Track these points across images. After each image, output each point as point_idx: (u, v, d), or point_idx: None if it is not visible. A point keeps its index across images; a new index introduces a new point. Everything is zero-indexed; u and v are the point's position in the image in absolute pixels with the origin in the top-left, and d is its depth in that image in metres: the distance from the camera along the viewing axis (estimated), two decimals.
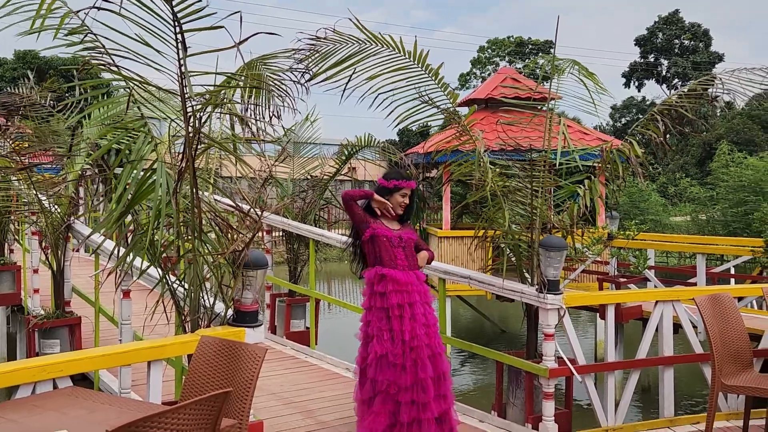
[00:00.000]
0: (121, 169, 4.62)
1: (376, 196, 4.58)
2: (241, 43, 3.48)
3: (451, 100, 5.52)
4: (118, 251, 4.25)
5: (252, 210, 4.11)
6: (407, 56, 5.27)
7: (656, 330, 5.53)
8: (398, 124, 5.45)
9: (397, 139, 45.49)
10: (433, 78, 5.41)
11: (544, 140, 5.62)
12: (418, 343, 4.40)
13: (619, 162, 5.55)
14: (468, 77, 51.49)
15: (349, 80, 5.31)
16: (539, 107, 8.19)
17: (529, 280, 5.60)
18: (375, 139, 8.85)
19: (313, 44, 5.01)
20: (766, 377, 4.67)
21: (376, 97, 5.37)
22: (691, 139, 40.07)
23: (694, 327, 5.79)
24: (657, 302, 5.52)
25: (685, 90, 6.02)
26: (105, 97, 5.05)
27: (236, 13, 3.52)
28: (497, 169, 5.65)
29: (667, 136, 5.66)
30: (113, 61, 3.65)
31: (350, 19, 5.05)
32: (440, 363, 4.50)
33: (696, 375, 9.57)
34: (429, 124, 6.24)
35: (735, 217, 19.26)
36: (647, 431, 5.28)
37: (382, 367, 4.39)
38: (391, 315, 4.40)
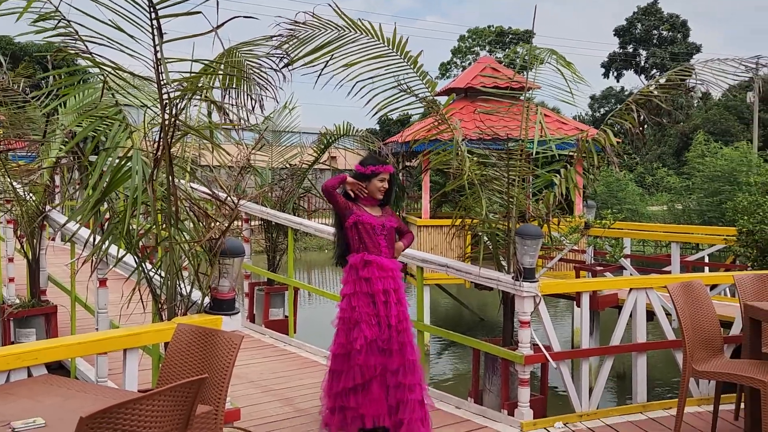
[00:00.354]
0: (96, 156, 4.59)
1: (349, 179, 4.58)
2: (218, 27, 3.47)
3: (430, 89, 5.53)
4: (94, 239, 4.23)
5: (228, 198, 4.11)
6: (386, 44, 5.27)
7: (630, 317, 5.62)
8: (377, 112, 5.45)
9: (378, 128, 45.43)
10: (412, 66, 5.41)
11: (521, 129, 5.66)
12: (404, 326, 4.47)
13: (594, 151, 5.60)
14: (448, 66, 51.49)
15: (325, 65, 5.29)
16: (518, 96, 8.22)
17: (506, 268, 5.65)
18: (354, 128, 8.85)
19: (292, 29, 4.99)
20: (736, 363, 4.76)
21: (355, 85, 5.36)
22: (669, 129, 40.47)
23: (668, 314, 5.88)
24: (631, 290, 5.60)
25: (662, 81, 6.09)
26: (81, 84, 4.98)
27: None
28: (475, 158, 5.68)
29: (645, 126, 5.72)
30: (86, 47, 3.62)
31: (330, 5, 5.04)
32: (415, 349, 4.62)
33: (670, 362, 9.71)
34: (409, 113, 6.25)
35: (710, 207, 19.52)
36: (620, 416, 5.36)
37: (372, 351, 4.39)
38: (376, 300, 4.43)
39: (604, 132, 5.54)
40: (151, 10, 3.48)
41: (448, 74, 50.92)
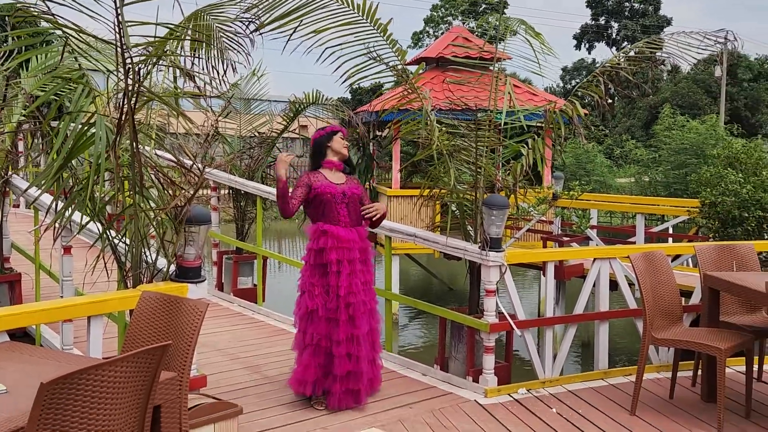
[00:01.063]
0: (58, 121, 4.50)
1: (279, 164, 4.60)
2: None
3: (399, 57, 5.50)
4: (56, 205, 4.16)
5: (194, 165, 4.07)
6: (356, 10, 5.21)
7: (594, 286, 5.72)
8: (346, 80, 5.41)
9: (350, 97, 45.10)
10: (382, 34, 5.37)
11: (490, 100, 5.67)
12: (355, 299, 4.53)
13: (562, 122, 5.65)
14: (421, 36, 51.10)
15: (294, 31, 5.22)
16: (489, 67, 8.22)
17: (473, 238, 5.70)
18: (324, 96, 8.79)
19: None
20: (694, 331, 4.89)
21: (323, 51, 5.30)
22: (638, 102, 40.82)
23: (631, 284, 5.98)
24: (595, 260, 5.70)
25: (631, 53, 6.13)
26: (43, 47, 4.86)
27: None
28: (444, 129, 5.69)
29: (615, 98, 5.78)
30: (48, 7, 3.52)
31: None
32: (374, 317, 4.77)
33: (632, 331, 9.92)
34: (381, 81, 6.19)
35: (676, 179, 19.82)
36: (582, 382, 5.48)
37: (312, 321, 4.56)
38: (329, 271, 4.51)
39: (571, 103, 5.57)
40: None
41: (420, 43, 50.57)
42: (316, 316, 4.53)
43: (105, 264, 3.96)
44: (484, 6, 50.10)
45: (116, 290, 4.54)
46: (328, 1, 5.16)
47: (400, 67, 5.59)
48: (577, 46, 51.49)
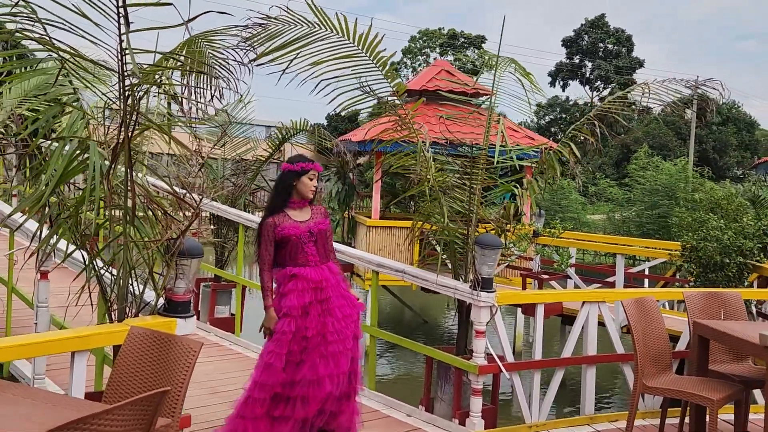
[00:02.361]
0: (46, 143, 4.36)
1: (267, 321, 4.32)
2: (190, 20, 3.32)
3: (398, 93, 5.48)
4: (41, 233, 4.00)
5: (188, 195, 3.95)
6: (356, 44, 5.16)
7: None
8: (342, 111, 5.35)
9: (325, 123, 45.17)
10: (381, 69, 5.33)
11: (485, 138, 5.66)
12: (333, 338, 4.28)
13: (556, 164, 5.64)
14: (398, 66, 51.56)
15: (289, 64, 5.16)
16: (472, 102, 8.26)
17: (462, 276, 5.64)
18: (308, 122, 8.71)
19: (263, 23, 4.84)
20: (684, 380, 4.86)
21: (318, 83, 5.25)
22: (610, 140, 41.46)
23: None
24: (584, 303, 5.66)
25: (613, 95, 6.19)
26: (31, 71, 4.70)
27: None
28: (438, 164, 5.65)
29: (598, 138, 5.81)
30: (45, 30, 3.41)
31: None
32: (356, 357, 4.46)
33: (609, 371, 9.88)
34: (367, 111, 6.12)
35: (649, 219, 20.10)
36: (569, 428, 5.41)
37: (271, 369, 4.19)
38: (298, 314, 4.22)
39: (567, 145, 5.57)
40: None
41: (398, 74, 50.96)
42: (275, 366, 4.17)
43: (90, 294, 3.80)
44: (462, 40, 50.80)
45: (97, 322, 4.39)
46: (329, 33, 5.11)
47: (398, 103, 5.56)
48: (552, 84, 52.32)
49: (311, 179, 4.42)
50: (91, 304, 3.93)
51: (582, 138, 5.84)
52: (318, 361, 4.25)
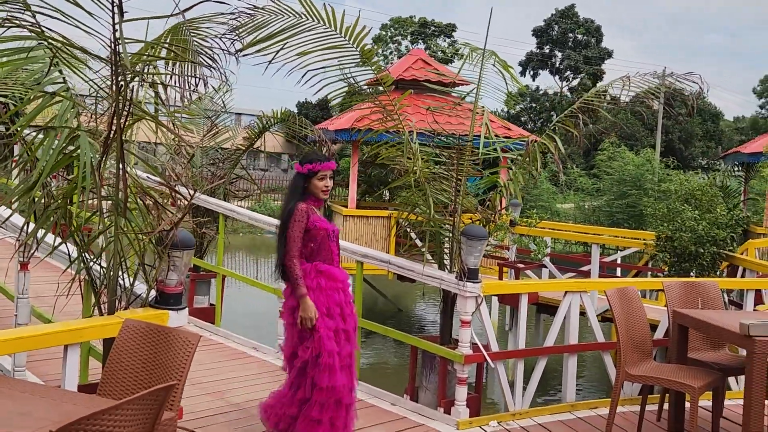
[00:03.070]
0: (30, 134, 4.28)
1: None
2: (186, 10, 3.29)
3: (385, 83, 5.49)
4: (27, 225, 3.94)
5: (179, 187, 3.92)
6: (343, 35, 5.15)
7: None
8: (329, 102, 5.35)
9: (296, 110, 44.84)
10: (368, 60, 5.34)
11: (471, 130, 5.70)
12: (353, 344, 4.22)
13: (539, 156, 5.71)
14: (374, 47, 51.29)
15: (276, 54, 5.14)
16: (452, 92, 8.29)
17: (448, 267, 5.68)
18: (290, 112, 8.66)
19: (250, 13, 4.80)
20: (665, 367, 4.98)
21: (305, 73, 5.24)
22: (578, 127, 41.80)
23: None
24: (566, 292, 5.74)
25: (596, 89, 6.28)
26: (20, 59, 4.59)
27: None
28: (422, 156, 5.67)
29: (582, 131, 5.89)
30: (36, 20, 3.35)
31: None
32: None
33: (585, 359, 10.03)
34: (328, 97, 6.04)
35: (619, 209, 20.44)
36: (551, 415, 5.50)
37: (327, 371, 4.00)
38: (334, 313, 4.10)
39: (551, 138, 5.64)
40: None
41: (378, 65, 50.67)
42: (332, 366, 3.99)
43: (81, 286, 3.76)
44: (433, 28, 50.76)
45: (83, 315, 4.34)
46: (316, 24, 5.09)
47: (383, 92, 5.57)
48: (522, 73, 52.57)
49: (322, 179, 4.18)
50: (82, 297, 3.88)
51: (565, 131, 5.92)
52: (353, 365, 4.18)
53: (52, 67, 3.54)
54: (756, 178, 18.05)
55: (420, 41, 49.88)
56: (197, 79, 4.42)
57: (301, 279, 4.06)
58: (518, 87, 6.60)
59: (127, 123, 3.54)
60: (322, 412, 4.00)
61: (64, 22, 3.36)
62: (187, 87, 4.39)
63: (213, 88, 8.66)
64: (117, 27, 3.31)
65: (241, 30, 4.83)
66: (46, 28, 3.43)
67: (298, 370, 4.11)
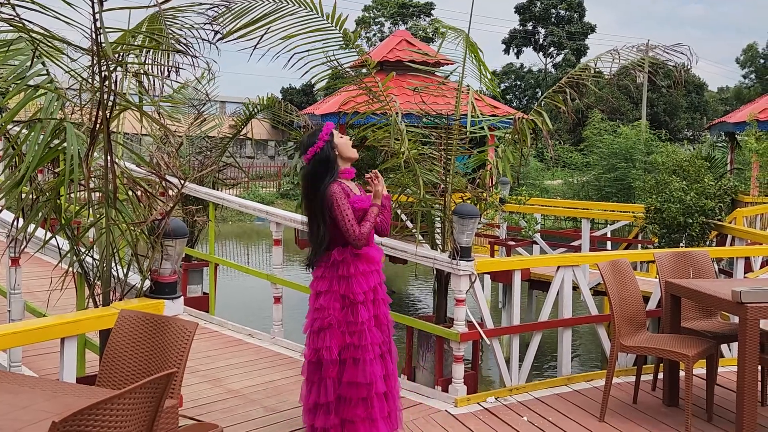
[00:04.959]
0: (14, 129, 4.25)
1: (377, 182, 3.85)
2: (165, 1, 3.26)
3: (369, 66, 5.47)
4: (17, 221, 3.92)
5: (168, 177, 3.90)
6: (326, 18, 5.13)
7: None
8: (313, 86, 5.33)
9: (280, 96, 44.57)
10: (350, 43, 5.31)
11: (456, 109, 5.69)
12: (390, 325, 3.98)
13: (528, 133, 5.71)
14: (357, 29, 50.99)
15: (260, 40, 5.10)
16: (433, 72, 8.27)
17: (440, 246, 5.70)
18: (277, 99, 8.61)
19: (228, 2, 4.76)
20: (659, 337, 5.03)
21: (291, 57, 5.20)
22: (566, 103, 41.83)
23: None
24: (559, 267, 5.78)
25: (584, 63, 6.28)
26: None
27: None
28: (409, 137, 5.66)
29: (570, 107, 5.89)
30: (16, 13, 3.31)
31: None
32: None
33: (578, 332, 10.09)
34: (313, 81, 5.97)
35: (607, 182, 20.53)
36: (547, 389, 5.55)
37: (368, 364, 3.77)
38: (366, 299, 3.81)
39: (538, 114, 5.64)
40: None
41: (360, 47, 50.40)
42: (369, 358, 3.77)
43: (74, 279, 3.75)
44: (412, 9, 50.46)
45: (77, 308, 4.33)
46: (296, 7, 5.06)
47: (366, 72, 5.55)
48: (506, 51, 52.47)
49: (342, 136, 3.92)
50: (76, 289, 3.87)
51: (554, 106, 5.92)
52: (394, 350, 3.99)
53: (35, 60, 3.50)
54: (741, 148, 18.19)
55: (401, 22, 49.62)
56: (177, 68, 4.37)
57: (370, 224, 3.81)
58: (491, 81, 6.44)
59: (112, 114, 3.51)
60: (357, 410, 3.77)
61: (43, 13, 3.32)
62: (167, 76, 4.36)
63: (196, 78, 8.61)
64: (97, 17, 3.27)
65: (221, 17, 4.79)
66: (27, 20, 3.39)
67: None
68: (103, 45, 3.31)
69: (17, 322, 4.59)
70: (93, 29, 3.34)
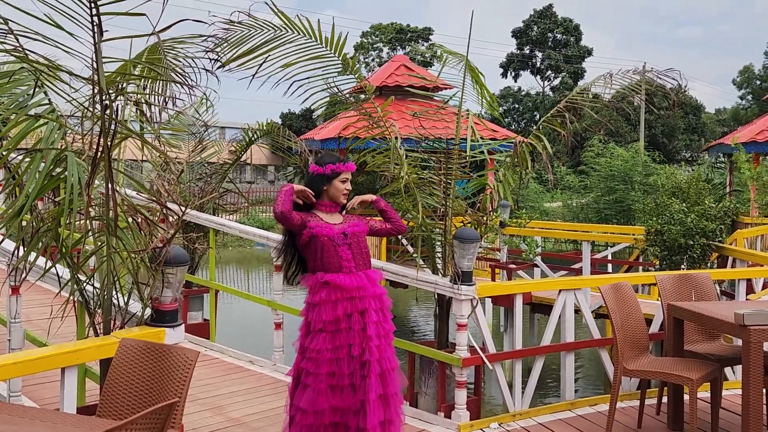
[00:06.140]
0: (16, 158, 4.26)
1: (296, 187, 3.91)
2: (162, 30, 3.29)
3: (368, 92, 5.50)
4: (17, 249, 3.91)
5: (169, 204, 3.91)
6: (324, 45, 5.17)
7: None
8: (313, 112, 5.35)
9: (280, 121, 44.78)
10: (350, 68, 5.35)
11: (456, 133, 5.72)
12: (369, 357, 3.82)
13: (528, 157, 5.73)
14: (356, 55, 51.35)
15: (259, 67, 5.14)
16: (435, 96, 8.32)
17: (441, 271, 5.69)
18: (277, 125, 8.66)
19: (226, 29, 4.80)
20: (662, 361, 5.00)
21: (291, 84, 5.24)
22: (564, 126, 42.04)
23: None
24: (560, 291, 5.76)
25: (581, 88, 6.33)
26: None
27: None
28: (409, 161, 5.69)
29: (570, 131, 5.93)
30: (19, 44, 3.34)
31: (266, 3, 4.90)
32: (391, 381, 3.93)
33: (579, 356, 10.02)
34: (312, 107, 6.02)
35: (606, 205, 20.56)
36: (551, 414, 5.51)
37: (318, 393, 3.77)
38: (334, 329, 3.80)
39: (538, 139, 5.66)
40: (92, 5, 3.25)
41: (359, 72, 50.75)
42: (318, 388, 3.77)
43: (75, 308, 3.74)
44: (410, 34, 50.90)
45: (77, 337, 4.31)
46: (295, 36, 5.10)
47: (366, 98, 5.59)
48: (504, 75, 52.88)
49: (344, 182, 3.98)
50: (76, 318, 3.86)
51: (551, 130, 5.96)
52: (373, 383, 3.81)
53: (36, 89, 3.52)
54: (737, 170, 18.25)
55: (399, 47, 50.03)
56: (174, 98, 4.39)
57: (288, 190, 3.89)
58: (492, 102, 6.48)
59: (114, 142, 3.52)
60: None
61: (45, 43, 3.35)
62: (166, 105, 4.37)
63: (194, 108, 8.66)
64: (98, 46, 3.30)
65: (221, 49, 4.83)
66: (30, 50, 3.42)
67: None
68: (104, 75, 3.33)
69: (17, 351, 4.56)
70: (94, 59, 3.36)
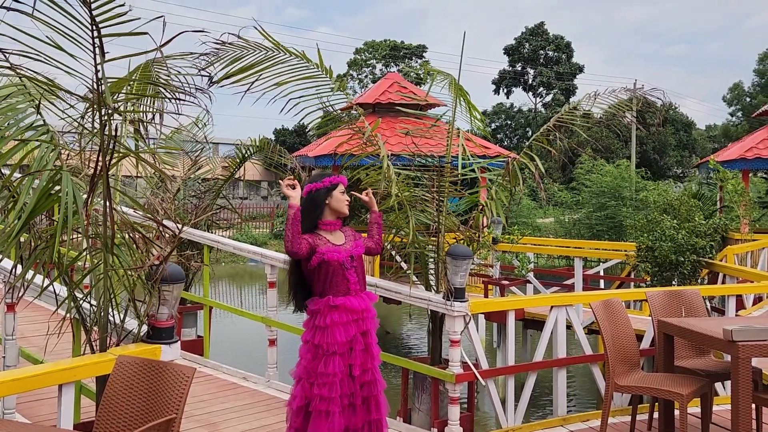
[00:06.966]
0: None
1: (292, 201, 3.81)
2: (162, 46, 3.35)
3: (357, 111, 5.59)
4: (15, 268, 3.95)
5: (165, 221, 3.95)
6: (316, 67, 5.26)
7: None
8: (307, 127, 5.43)
9: (273, 138, 44.88)
10: (341, 88, 5.44)
11: (447, 151, 5.79)
12: (374, 376, 3.95)
13: (519, 174, 5.81)
14: (344, 78, 51.66)
15: (251, 85, 5.21)
16: (427, 114, 8.41)
17: (434, 287, 5.74)
18: (270, 141, 8.73)
19: (218, 49, 4.87)
20: (653, 377, 5.05)
21: (286, 103, 5.31)
22: (554, 144, 42.33)
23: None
24: (552, 307, 5.82)
25: (570, 105, 6.42)
26: None
27: (160, 17, 3.38)
28: (401, 179, 5.75)
29: (560, 149, 6.01)
30: (10, 62, 3.39)
31: (256, 27, 4.99)
32: (384, 401, 4.12)
33: (579, 373, 10.06)
34: (305, 123, 6.10)
35: (598, 221, 20.69)
36: (543, 430, 5.55)
37: (340, 415, 3.85)
38: (341, 351, 3.87)
39: (530, 158, 5.74)
40: (93, 27, 3.32)
41: (346, 90, 50.97)
42: (333, 412, 3.80)
43: (72, 326, 3.77)
44: (403, 51, 51.19)
45: (73, 354, 4.33)
46: (287, 57, 5.19)
47: (357, 116, 5.67)
48: (496, 91, 53.20)
49: (343, 193, 4.05)
50: (73, 335, 3.88)
51: (542, 148, 6.04)
52: (370, 404, 3.96)
53: (32, 110, 3.58)
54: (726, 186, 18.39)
55: (392, 64, 50.31)
56: (162, 113, 4.44)
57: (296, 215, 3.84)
58: (480, 120, 6.57)
59: (112, 161, 3.58)
60: None
61: (42, 62, 3.41)
62: (161, 122, 4.43)
63: (195, 123, 8.73)
64: (99, 67, 3.36)
65: (214, 67, 4.91)
66: (30, 69, 3.48)
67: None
68: (104, 94, 3.39)
69: (13, 368, 4.58)
70: (95, 80, 3.42)
